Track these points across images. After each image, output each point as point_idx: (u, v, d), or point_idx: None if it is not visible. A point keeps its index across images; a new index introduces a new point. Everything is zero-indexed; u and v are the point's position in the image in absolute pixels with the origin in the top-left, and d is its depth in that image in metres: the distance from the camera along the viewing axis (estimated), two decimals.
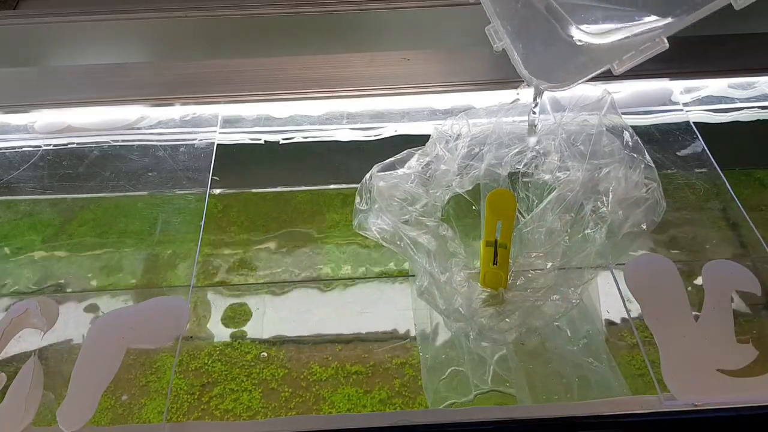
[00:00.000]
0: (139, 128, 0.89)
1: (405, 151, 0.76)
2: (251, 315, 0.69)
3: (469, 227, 0.74)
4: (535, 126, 0.76)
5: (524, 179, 0.76)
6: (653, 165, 0.74)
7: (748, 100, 0.91)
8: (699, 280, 0.69)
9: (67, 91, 0.89)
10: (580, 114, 0.79)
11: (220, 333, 0.67)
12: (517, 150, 0.77)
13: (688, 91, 0.91)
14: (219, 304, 0.70)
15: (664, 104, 0.90)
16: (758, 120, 0.89)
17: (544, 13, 0.65)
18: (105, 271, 0.73)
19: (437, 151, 0.76)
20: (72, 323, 0.68)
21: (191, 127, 0.89)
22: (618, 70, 0.59)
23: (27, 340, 0.67)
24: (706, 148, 0.83)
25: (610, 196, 0.71)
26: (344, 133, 0.88)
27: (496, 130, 0.78)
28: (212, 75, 0.90)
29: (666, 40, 0.57)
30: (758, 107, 0.90)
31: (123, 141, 0.88)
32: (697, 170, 0.81)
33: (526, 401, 0.61)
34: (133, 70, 0.91)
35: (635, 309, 0.67)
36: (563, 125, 0.78)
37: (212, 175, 0.82)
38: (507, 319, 0.63)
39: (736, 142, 0.88)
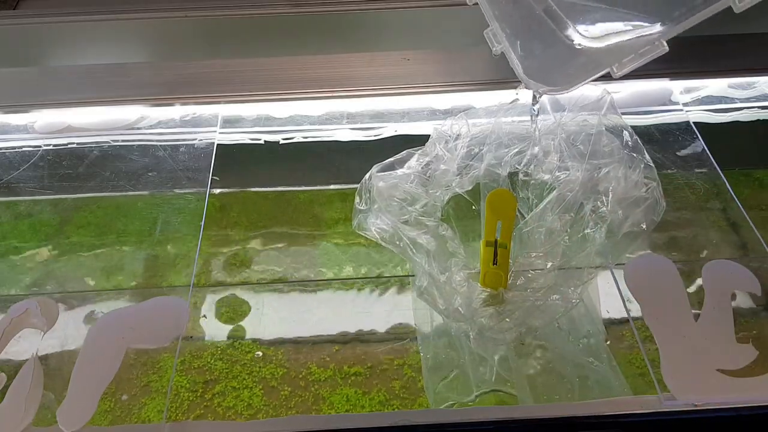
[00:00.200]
0: (139, 128, 0.89)
1: (404, 152, 0.76)
2: (251, 315, 0.69)
3: (469, 227, 0.74)
4: (537, 128, 0.76)
5: (524, 179, 0.76)
6: (653, 164, 0.74)
7: (748, 100, 0.91)
8: (699, 280, 0.69)
9: (67, 91, 0.89)
10: (579, 114, 0.79)
11: (220, 333, 0.67)
12: (516, 150, 0.77)
13: (688, 91, 0.91)
14: (219, 303, 0.70)
15: (664, 104, 0.90)
16: (758, 120, 0.89)
17: (542, 16, 0.65)
18: (105, 271, 0.73)
19: (437, 151, 0.76)
20: (72, 323, 0.68)
21: (191, 127, 0.89)
22: (617, 73, 0.59)
23: (27, 340, 0.67)
24: (706, 148, 0.83)
25: (610, 196, 0.71)
26: (344, 133, 0.88)
27: (495, 130, 0.78)
28: (212, 75, 0.90)
29: (666, 44, 0.57)
30: (758, 107, 0.90)
31: (123, 141, 0.88)
32: (697, 170, 0.81)
33: (528, 401, 0.61)
34: (133, 70, 0.91)
35: (635, 309, 0.67)
36: (563, 125, 0.78)
37: (212, 175, 0.82)
38: (507, 319, 0.63)
39: (736, 142, 0.88)
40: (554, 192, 0.72)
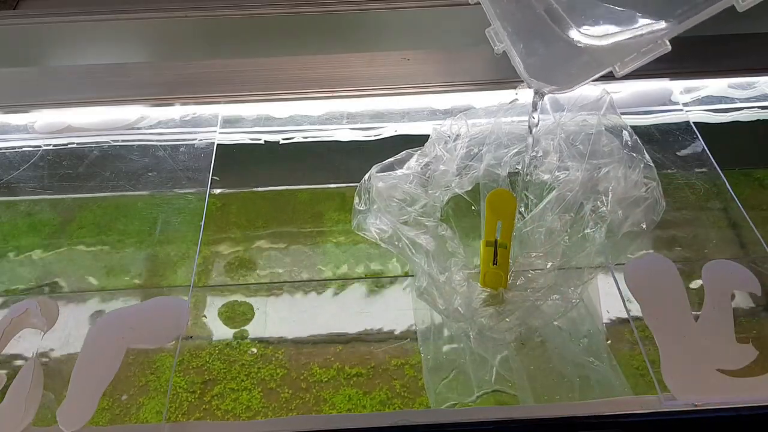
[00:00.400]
0: (139, 128, 0.89)
1: (404, 152, 0.76)
2: (251, 315, 0.69)
3: (469, 227, 0.74)
4: (536, 126, 0.76)
5: (523, 179, 0.76)
6: (652, 164, 0.74)
7: (748, 100, 0.91)
8: (699, 280, 0.69)
9: (67, 91, 0.89)
10: (579, 114, 0.79)
11: (220, 333, 0.67)
12: (516, 150, 0.77)
13: (688, 91, 0.91)
14: (219, 303, 0.70)
15: (664, 104, 0.90)
16: (758, 120, 0.89)
17: (544, 15, 0.64)
18: (105, 271, 0.73)
19: (436, 152, 0.76)
20: (72, 323, 0.68)
21: (191, 127, 0.89)
22: (620, 72, 0.59)
23: (27, 340, 0.67)
24: (706, 148, 0.83)
25: (610, 196, 0.71)
26: (344, 133, 0.88)
27: (494, 130, 0.78)
28: (212, 75, 0.90)
29: (668, 43, 0.57)
30: (758, 107, 0.90)
31: (123, 141, 0.88)
32: (697, 170, 0.81)
33: (528, 401, 0.61)
34: (133, 70, 0.91)
35: (635, 309, 0.67)
36: (562, 125, 0.78)
37: (212, 175, 0.82)
38: (507, 319, 0.63)
39: (736, 142, 0.88)
40: (554, 192, 0.72)
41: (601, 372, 0.63)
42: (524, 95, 0.80)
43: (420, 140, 0.78)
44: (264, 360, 0.65)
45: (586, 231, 0.70)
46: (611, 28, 0.62)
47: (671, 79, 0.91)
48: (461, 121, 0.78)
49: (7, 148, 0.87)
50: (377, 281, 0.71)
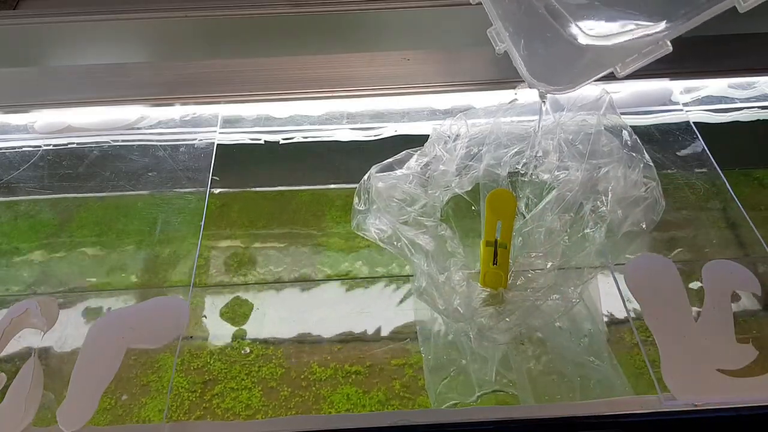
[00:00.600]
0: (139, 128, 0.89)
1: (403, 152, 0.76)
2: (251, 314, 0.69)
3: (468, 228, 0.74)
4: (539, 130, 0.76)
5: (523, 179, 0.76)
6: (652, 164, 0.74)
7: (748, 100, 0.91)
8: (699, 280, 0.69)
9: (67, 91, 0.89)
10: (578, 114, 0.79)
11: (220, 332, 0.67)
12: (515, 150, 0.77)
13: (688, 91, 0.91)
14: (219, 303, 0.70)
15: (664, 104, 0.90)
16: (758, 120, 0.89)
17: (546, 15, 0.64)
18: (105, 270, 0.73)
19: (436, 152, 0.76)
20: (72, 323, 0.68)
21: (191, 127, 0.89)
22: (621, 73, 0.59)
23: (27, 340, 0.67)
24: (706, 148, 0.83)
25: (609, 196, 0.71)
26: (344, 133, 0.88)
27: (494, 130, 0.78)
28: (212, 75, 0.90)
29: (669, 44, 0.57)
30: (758, 107, 0.90)
31: (123, 141, 0.88)
32: (697, 170, 0.81)
33: (529, 401, 0.61)
34: (133, 70, 0.91)
35: (635, 309, 0.67)
36: (562, 125, 0.78)
37: (212, 175, 0.82)
38: (507, 319, 0.63)
39: (736, 142, 0.88)
40: (554, 192, 0.72)
41: (602, 372, 0.63)
42: (523, 95, 0.80)
43: (420, 140, 0.78)
44: (264, 359, 0.65)
45: (585, 231, 0.70)
46: (613, 29, 0.62)
47: (671, 79, 0.91)
48: (461, 121, 0.78)
49: (7, 148, 0.87)
50: (377, 281, 0.71)
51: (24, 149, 0.87)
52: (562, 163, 0.75)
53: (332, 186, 0.82)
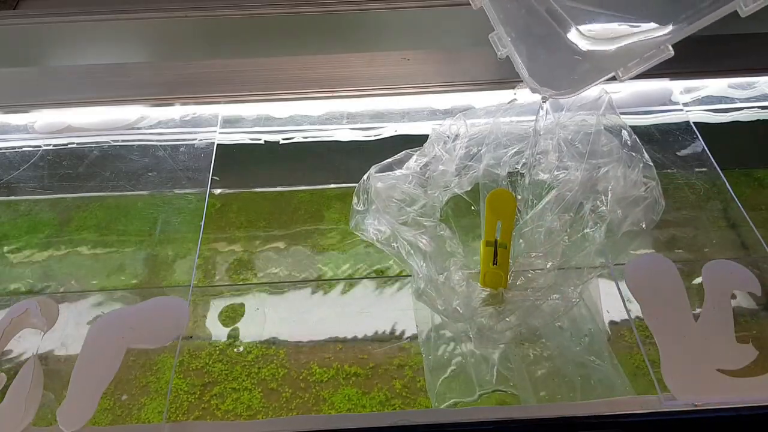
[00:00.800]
0: (139, 128, 0.89)
1: (403, 152, 0.76)
2: (251, 315, 0.69)
3: (468, 228, 0.74)
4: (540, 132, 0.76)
5: (523, 179, 0.76)
6: (651, 164, 0.74)
7: (748, 100, 0.91)
8: (699, 280, 0.69)
9: (67, 91, 0.89)
10: (578, 113, 0.79)
11: (220, 333, 0.67)
12: (515, 150, 0.77)
13: (688, 91, 0.91)
14: (219, 303, 0.70)
15: (664, 104, 0.90)
16: (758, 120, 0.89)
17: (548, 20, 0.64)
18: (105, 271, 0.73)
19: (435, 152, 0.76)
20: (72, 323, 0.68)
21: (191, 127, 0.89)
22: (623, 77, 0.59)
23: (27, 340, 0.67)
24: (706, 148, 0.83)
25: (609, 195, 0.71)
26: (344, 133, 0.88)
27: (494, 130, 0.78)
28: (212, 75, 0.90)
29: (671, 48, 0.57)
30: (758, 107, 0.90)
31: (123, 141, 0.88)
32: (697, 170, 0.81)
33: (530, 401, 0.61)
34: (133, 70, 0.91)
35: (635, 309, 0.67)
36: (561, 125, 0.78)
37: (212, 175, 0.82)
38: (507, 319, 0.63)
39: (736, 142, 0.88)
40: (553, 192, 0.72)
41: (602, 371, 0.63)
42: (523, 95, 0.80)
43: (420, 140, 0.78)
44: (264, 360, 0.65)
45: (585, 231, 0.70)
46: (614, 33, 0.62)
47: (671, 79, 0.91)
48: (460, 121, 0.78)
49: (7, 148, 0.87)
50: (377, 281, 0.71)
51: (24, 149, 0.87)
52: (561, 163, 0.75)
53: (332, 186, 0.82)
